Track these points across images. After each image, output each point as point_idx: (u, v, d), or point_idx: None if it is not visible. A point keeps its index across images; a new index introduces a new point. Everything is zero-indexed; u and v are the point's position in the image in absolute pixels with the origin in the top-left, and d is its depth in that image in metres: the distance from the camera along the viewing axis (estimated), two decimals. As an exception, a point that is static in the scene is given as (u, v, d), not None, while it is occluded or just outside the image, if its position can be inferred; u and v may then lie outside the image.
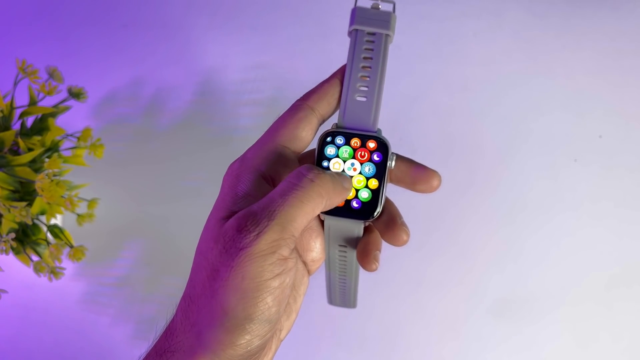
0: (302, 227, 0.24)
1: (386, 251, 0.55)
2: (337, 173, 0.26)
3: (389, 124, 0.63)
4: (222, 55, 0.61)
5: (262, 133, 0.27)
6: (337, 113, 0.28)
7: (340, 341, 0.55)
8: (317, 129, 0.27)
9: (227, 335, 0.22)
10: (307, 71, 0.60)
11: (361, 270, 0.30)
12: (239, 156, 0.27)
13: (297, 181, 0.24)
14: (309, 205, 0.23)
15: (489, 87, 0.59)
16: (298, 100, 0.27)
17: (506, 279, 0.55)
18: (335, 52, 0.61)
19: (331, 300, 0.33)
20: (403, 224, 0.27)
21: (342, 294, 0.32)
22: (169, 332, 0.24)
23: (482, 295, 0.55)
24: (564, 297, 0.55)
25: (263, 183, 0.25)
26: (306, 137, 0.27)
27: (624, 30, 0.59)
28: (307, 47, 0.61)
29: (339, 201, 0.25)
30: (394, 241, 0.27)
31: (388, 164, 0.26)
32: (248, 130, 0.60)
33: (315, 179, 0.24)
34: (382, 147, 0.26)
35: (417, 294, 0.56)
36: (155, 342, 0.25)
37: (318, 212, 0.24)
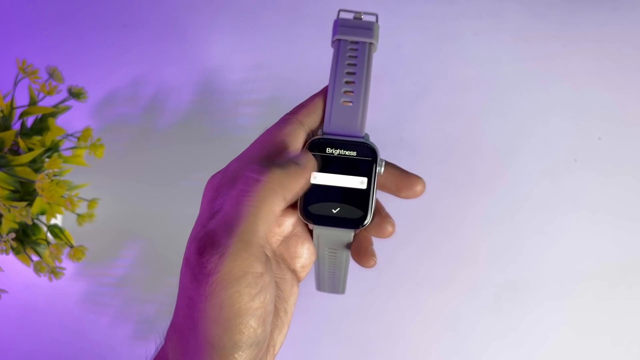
0: (268, 232, 0.22)
1: (386, 250, 0.55)
2: (286, 158, 0.23)
3: (389, 124, 0.63)
4: (222, 55, 0.61)
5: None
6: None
7: (340, 339, 0.55)
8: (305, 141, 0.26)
9: None
10: (307, 71, 0.60)
11: (357, 266, 0.29)
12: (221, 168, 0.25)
13: (246, 186, 0.21)
14: (265, 208, 0.21)
15: (489, 87, 0.59)
16: (287, 115, 0.26)
17: (506, 277, 0.55)
18: (335, 52, 0.60)
19: (319, 288, 0.33)
20: (387, 216, 0.26)
21: (331, 283, 0.32)
22: None
23: (482, 294, 0.55)
24: (563, 295, 0.55)
25: None
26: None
27: (624, 31, 0.59)
28: (308, 47, 0.61)
29: (299, 185, 0.23)
30: (379, 234, 0.26)
31: (378, 170, 0.25)
32: (248, 130, 0.60)
33: (261, 177, 0.22)
34: (371, 153, 0.25)
35: (416, 292, 0.56)
36: None
37: (280, 208, 0.22)
